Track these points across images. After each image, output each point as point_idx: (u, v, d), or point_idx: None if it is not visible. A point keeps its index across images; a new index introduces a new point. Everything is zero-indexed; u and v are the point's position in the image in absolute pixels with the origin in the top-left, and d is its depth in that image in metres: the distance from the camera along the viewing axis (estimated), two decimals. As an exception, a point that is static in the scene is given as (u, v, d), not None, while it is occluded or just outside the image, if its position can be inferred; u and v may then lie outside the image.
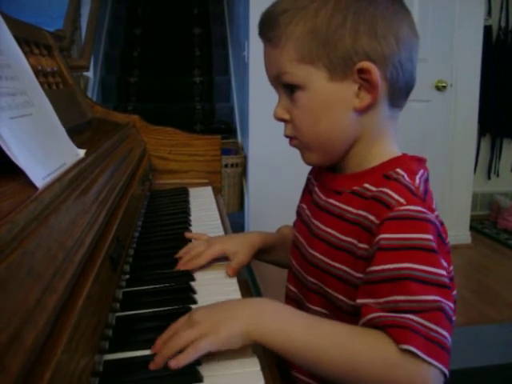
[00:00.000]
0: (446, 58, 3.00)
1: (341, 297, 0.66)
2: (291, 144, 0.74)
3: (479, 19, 3.05)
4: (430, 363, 0.53)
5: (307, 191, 0.83)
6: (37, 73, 0.91)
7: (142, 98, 3.97)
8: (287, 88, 0.69)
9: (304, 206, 0.81)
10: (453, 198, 3.08)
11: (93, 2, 3.18)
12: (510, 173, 3.73)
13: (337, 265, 0.66)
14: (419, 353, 0.52)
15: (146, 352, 0.59)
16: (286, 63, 0.67)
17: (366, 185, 0.67)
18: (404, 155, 0.69)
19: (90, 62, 2.90)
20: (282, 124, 0.73)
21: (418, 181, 0.64)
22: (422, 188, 0.63)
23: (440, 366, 0.53)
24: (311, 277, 0.72)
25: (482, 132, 3.55)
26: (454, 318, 0.67)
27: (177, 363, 0.54)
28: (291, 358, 0.57)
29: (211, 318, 0.58)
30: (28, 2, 3.82)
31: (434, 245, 0.58)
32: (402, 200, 0.60)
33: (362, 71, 0.64)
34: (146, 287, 0.77)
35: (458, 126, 3.10)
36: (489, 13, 3.44)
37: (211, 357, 0.57)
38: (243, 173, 3.15)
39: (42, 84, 0.82)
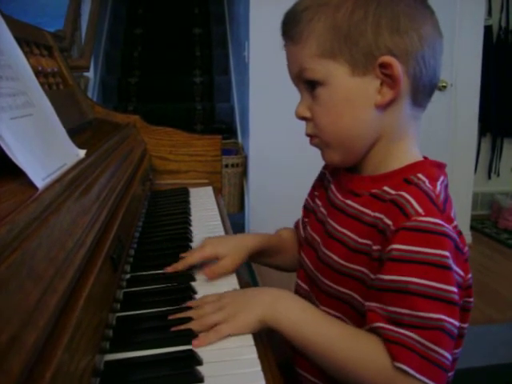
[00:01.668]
0: (446, 58, 2.96)
1: (358, 297, 0.66)
2: (312, 143, 0.73)
3: (479, 19, 3.05)
4: (422, 381, 0.55)
5: (321, 187, 0.82)
6: (37, 73, 0.91)
7: (142, 99, 3.97)
8: (309, 85, 0.68)
9: (319, 203, 0.80)
10: (453, 197, 3.02)
11: (93, 2, 3.18)
12: (511, 172, 3.73)
13: (354, 266, 0.66)
14: (412, 371, 0.55)
15: (147, 352, 0.59)
16: (308, 59, 0.66)
17: (386, 188, 0.66)
18: (425, 160, 0.69)
19: (91, 63, 2.90)
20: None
21: (439, 187, 0.63)
22: (442, 196, 0.63)
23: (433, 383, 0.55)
24: (327, 279, 0.71)
25: (482, 132, 3.55)
26: (465, 326, 0.67)
27: (199, 343, 0.60)
28: (299, 347, 0.62)
29: (236, 304, 0.65)
30: (31, 3, 3.82)
31: (448, 261, 0.57)
32: (420, 210, 0.59)
33: (383, 66, 0.63)
34: (147, 287, 0.77)
35: (458, 126, 3.10)
36: (489, 13, 3.44)
37: (212, 357, 0.58)
38: (243, 173, 3.15)
39: (42, 84, 0.82)
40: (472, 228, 3.27)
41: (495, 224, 3.57)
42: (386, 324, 0.57)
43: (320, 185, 0.83)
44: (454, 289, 0.57)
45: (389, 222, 0.61)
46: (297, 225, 0.91)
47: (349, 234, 0.68)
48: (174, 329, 0.63)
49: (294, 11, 0.69)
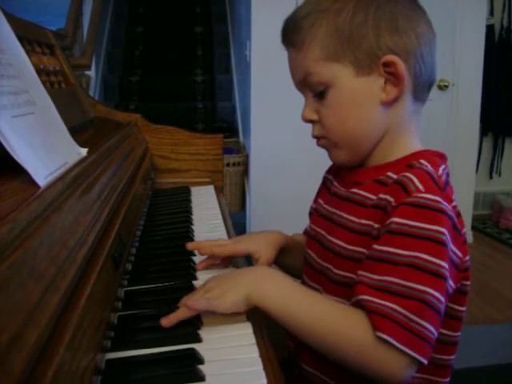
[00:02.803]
0: (447, 58, 3.00)
1: None
2: (319, 144, 0.74)
3: (481, 18, 3.05)
4: (404, 352, 0.56)
5: (324, 188, 0.84)
6: (39, 72, 0.91)
7: (143, 97, 3.97)
8: (314, 88, 0.70)
9: (321, 201, 0.81)
10: (454, 197, 3.07)
11: (95, 1, 3.18)
12: (512, 172, 3.73)
13: (357, 248, 0.67)
14: (393, 341, 0.56)
15: (148, 351, 0.59)
16: (312, 63, 0.69)
17: (389, 173, 0.68)
18: (428, 150, 0.71)
19: (92, 61, 2.91)
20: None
21: (440, 171, 0.66)
22: (443, 178, 0.65)
23: (414, 354, 0.56)
24: (332, 265, 0.71)
25: (483, 131, 3.54)
26: (463, 309, 0.68)
27: (191, 304, 0.63)
28: (283, 324, 0.63)
29: (221, 285, 0.66)
30: (32, 2, 3.82)
31: (443, 237, 0.59)
32: (421, 187, 0.61)
33: (387, 65, 0.66)
34: (148, 286, 0.77)
35: (459, 126, 3.10)
36: (491, 12, 3.43)
37: (213, 356, 0.58)
38: (245, 172, 3.15)
39: (44, 83, 0.82)
40: (473, 228, 3.27)
41: (496, 224, 3.57)
42: (370, 296, 0.59)
43: (323, 187, 0.85)
44: (445, 264, 0.59)
45: (391, 199, 0.63)
46: (305, 231, 0.92)
47: (352, 218, 0.69)
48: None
49: (295, 18, 0.71)
